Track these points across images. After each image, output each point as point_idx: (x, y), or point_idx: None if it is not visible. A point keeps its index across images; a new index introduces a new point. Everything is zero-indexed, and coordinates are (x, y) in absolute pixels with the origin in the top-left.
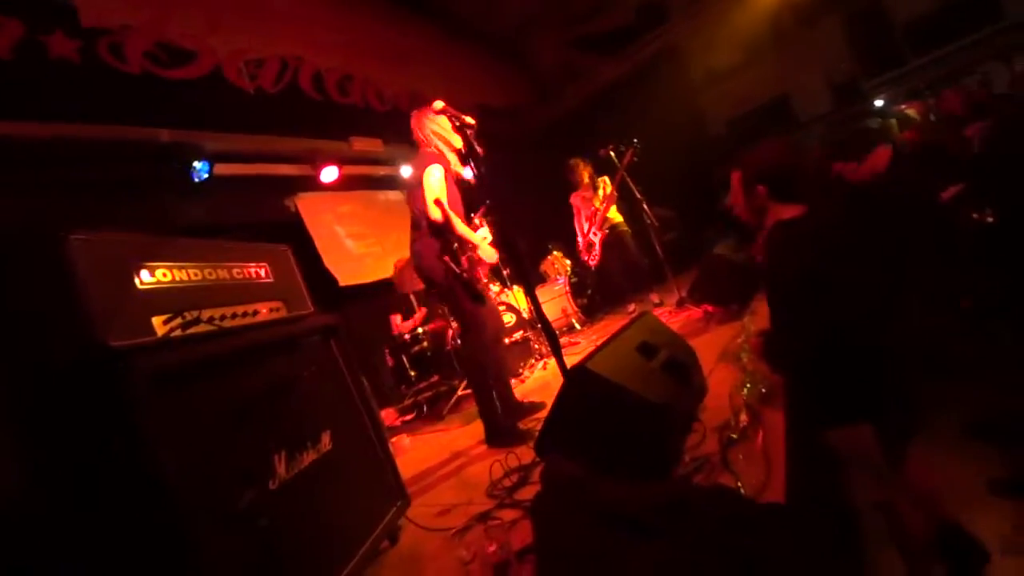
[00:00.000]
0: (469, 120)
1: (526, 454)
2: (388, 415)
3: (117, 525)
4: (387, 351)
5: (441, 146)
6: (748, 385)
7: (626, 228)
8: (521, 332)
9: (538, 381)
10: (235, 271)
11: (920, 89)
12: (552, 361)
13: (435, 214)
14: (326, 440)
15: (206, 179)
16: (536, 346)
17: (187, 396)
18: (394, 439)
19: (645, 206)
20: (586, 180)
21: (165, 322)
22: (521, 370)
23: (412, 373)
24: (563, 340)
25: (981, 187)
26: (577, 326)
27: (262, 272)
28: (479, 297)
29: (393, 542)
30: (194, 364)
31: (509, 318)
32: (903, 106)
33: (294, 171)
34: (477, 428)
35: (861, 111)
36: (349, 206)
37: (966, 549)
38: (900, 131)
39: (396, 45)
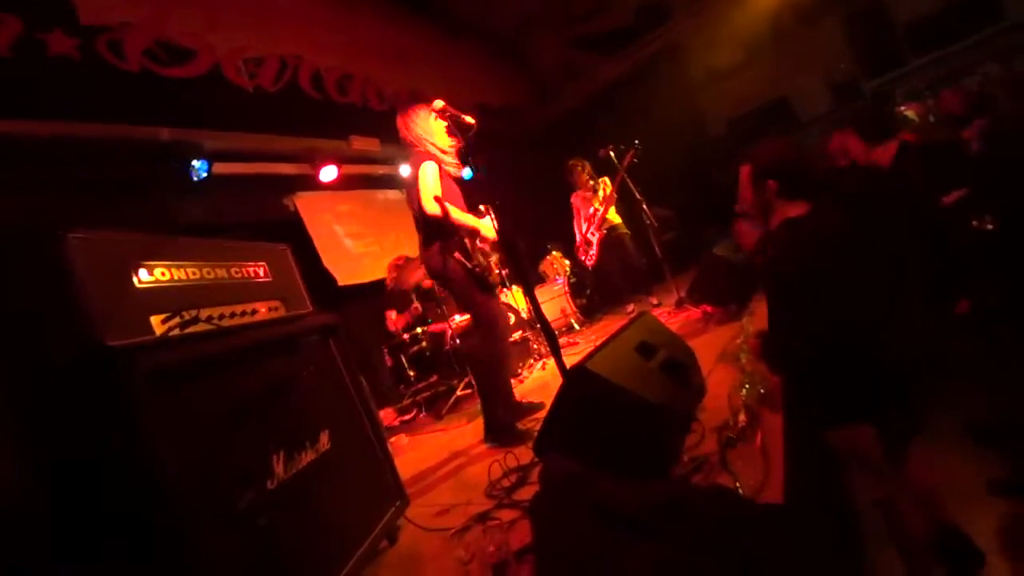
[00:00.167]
0: (469, 120)
1: (525, 454)
2: (387, 415)
3: (116, 524)
4: (386, 351)
5: (429, 147)
6: (747, 385)
7: (625, 230)
8: (520, 332)
9: (537, 381)
10: (234, 270)
11: (920, 90)
12: (551, 361)
13: (433, 209)
14: (325, 440)
15: (205, 178)
16: (535, 346)
17: (185, 395)
18: (393, 439)
19: (644, 206)
20: (586, 181)
21: (163, 321)
22: (520, 370)
23: (411, 373)
24: (562, 340)
25: (982, 193)
26: (576, 326)
27: (261, 271)
28: (490, 288)
29: (392, 542)
30: (192, 363)
31: (508, 318)
32: (902, 107)
33: (293, 170)
34: (476, 428)
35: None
36: (348, 205)
37: (962, 551)
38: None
39: (396, 44)
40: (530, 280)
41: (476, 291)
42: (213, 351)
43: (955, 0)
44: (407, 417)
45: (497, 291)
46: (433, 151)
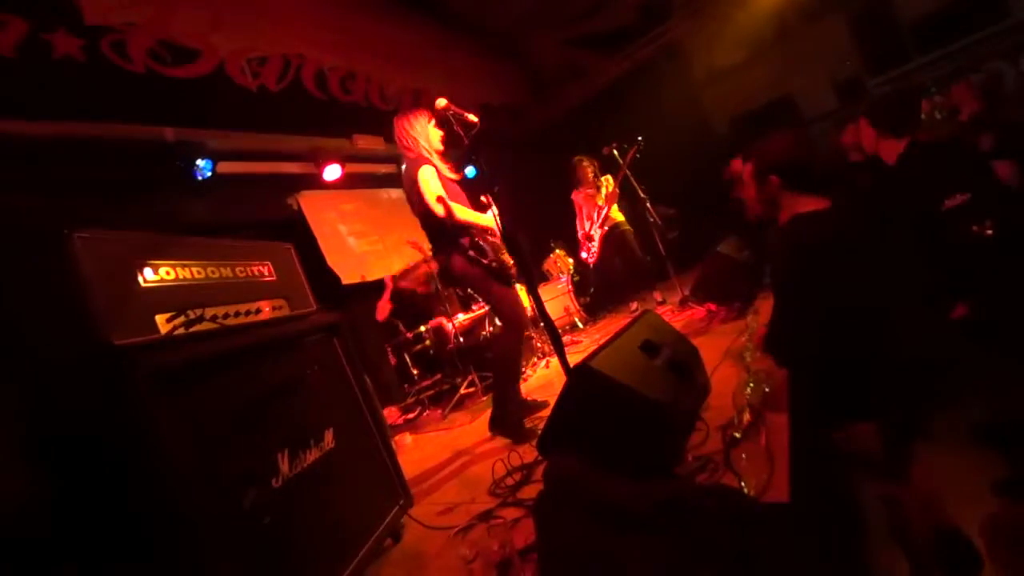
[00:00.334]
0: (472, 118)
1: (529, 453)
2: (391, 413)
3: (120, 523)
4: (389, 349)
5: (424, 151)
6: (751, 384)
7: (628, 227)
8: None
9: (541, 380)
10: (238, 269)
11: (926, 86)
12: (555, 359)
13: (440, 210)
14: (329, 438)
15: (209, 177)
16: (539, 344)
17: (190, 394)
18: (397, 437)
19: (648, 204)
20: (591, 178)
21: (168, 320)
22: (524, 368)
23: (414, 371)
24: (566, 339)
25: (983, 198)
26: (580, 324)
27: (265, 270)
28: (508, 281)
29: (396, 540)
30: (197, 362)
31: (527, 310)
32: None
33: (297, 169)
34: (479, 427)
35: None
36: (352, 204)
37: (962, 553)
38: None
39: (399, 43)
40: (534, 278)
41: (495, 285)
42: (218, 350)
43: None
44: (411, 415)
45: (514, 283)
46: (428, 155)
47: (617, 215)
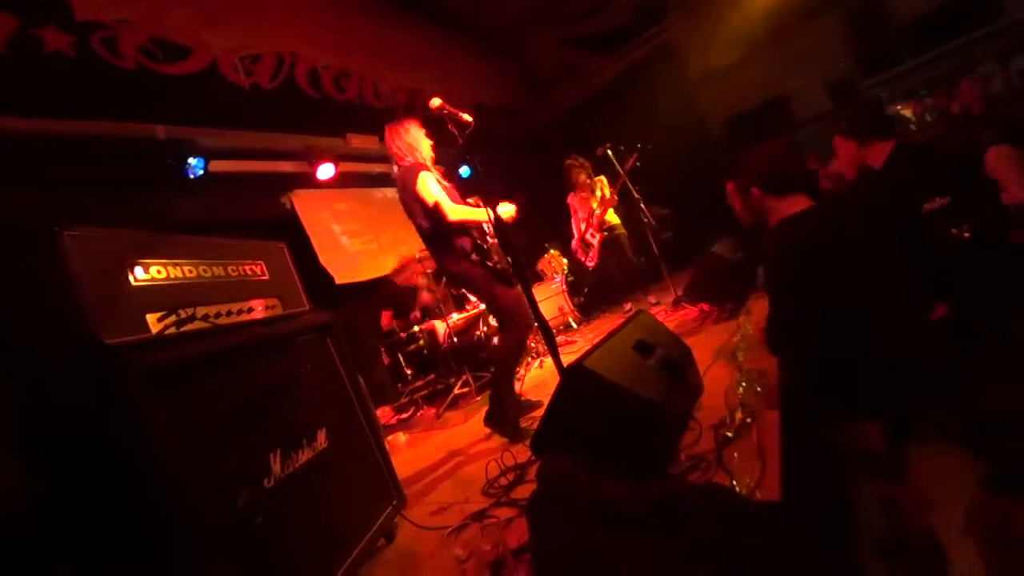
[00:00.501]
0: (467, 118)
1: (522, 452)
2: (384, 413)
3: (112, 522)
4: (383, 349)
5: (418, 156)
6: (744, 384)
7: (623, 231)
8: None
9: (535, 379)
10: (230, 268)
11: (916, 88)
12: (549, 359)
13: (451, 214)
14: (322, 438)
15: (201, 176)
16: (533, 344)
17: (182, 394)
18: (390, 437)
19: (642, 205)
20: (584, 181)
21: (159, 319)
22: (518, 368)
23: (408, 371)
24: (560, 339)
25: (962, 201)
26: (573, 325)
27: (258, 269)
28: (511, 281)
29: (389, 540)
30: (189, 362)
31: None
32: (898, 106)
33: (290, 168)
34: (473, 427)
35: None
36: (345, 203)
37: (928, 555)
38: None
39: (394, 42)
40: (528, 278)
41: (497, 286)
42: (210, 349)
43: None
44: (405, 415)
45: (516, 284)
46: (422, 161)
47: (613, 218)
